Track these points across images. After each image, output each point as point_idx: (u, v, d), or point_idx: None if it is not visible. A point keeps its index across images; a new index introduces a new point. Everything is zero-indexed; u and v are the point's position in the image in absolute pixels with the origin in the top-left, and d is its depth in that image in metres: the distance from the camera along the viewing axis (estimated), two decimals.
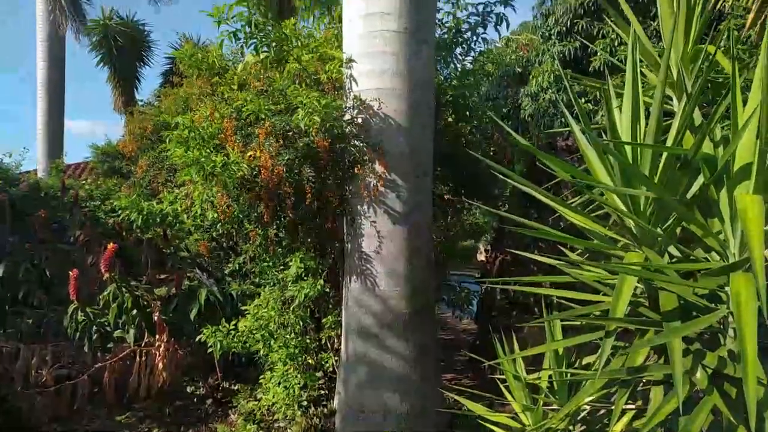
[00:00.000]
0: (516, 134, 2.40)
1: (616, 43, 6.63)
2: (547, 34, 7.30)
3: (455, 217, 6.27)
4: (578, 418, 2.26)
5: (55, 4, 11.24)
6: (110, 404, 5.26)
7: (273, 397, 4.80)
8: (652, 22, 6.30)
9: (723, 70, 2.74)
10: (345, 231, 4.66)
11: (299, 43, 4.94)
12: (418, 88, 4.38)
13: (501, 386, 2.77)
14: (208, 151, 4.43)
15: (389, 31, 4.27)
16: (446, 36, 5.65)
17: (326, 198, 4.48)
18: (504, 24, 5.63)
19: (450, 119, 5.51)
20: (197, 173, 4.36)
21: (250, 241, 4.94)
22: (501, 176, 2.46)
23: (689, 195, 2.03)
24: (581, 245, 2.30)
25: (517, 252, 3.26)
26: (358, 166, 4.37)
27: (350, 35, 4.48)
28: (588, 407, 2.23)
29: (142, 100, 11.43)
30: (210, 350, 4.83)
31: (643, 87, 2.24)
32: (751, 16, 2.31)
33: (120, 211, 5.44)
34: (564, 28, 6.98)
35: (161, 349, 5.06)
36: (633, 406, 2.06)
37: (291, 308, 4.74)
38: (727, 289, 1.79)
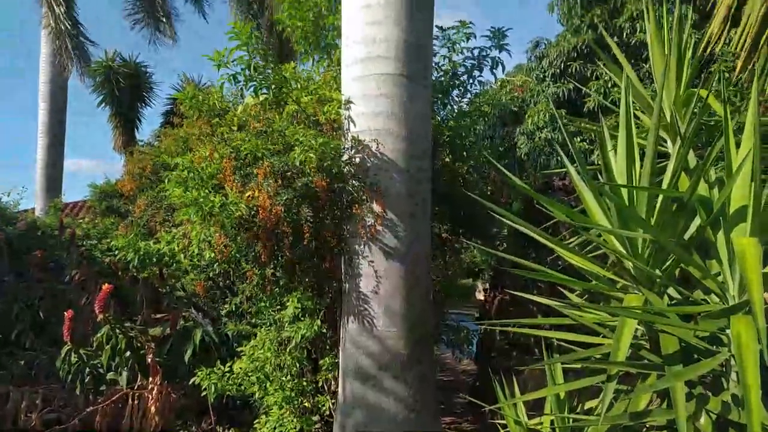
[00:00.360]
0: (513, 174, 2.43)
1: (609, 85, 6.78)
2: (541, 76, 7.47)
3: (453, 256, 6.26)
4: None
5: (60, 47, 11.48)
6: None
7: None
8: (644, 65, 6.45)
9: (715, 113, 2.79)
10: (343, 270, 4.64)
11: (298, 85, 5.03)
12: (415, 129, 4.44)
13: (502, 431, 2.70)
14: (206, 191, 4.45)
15: (387, 74, 4.36)
16: (443, 79, 5.77)
17: (324, 237, 4.48)
18: (500, 67, 5.74)
19: (447, 159, 5.56)
20: (195, 213, 4.37)
21: (247, 281, 4.90)
22: (498, 216, 2.47)
23: (686, 236, 2.04)
24: (580, 287, 2.29)
25: (516, 293, 3.24)
26: (356, 205, 4.38)
27: (348, 78, 4.57)
28: None
29: (142, 141, 11.57)
30: (204, 392, 4.74)
31: (636, 129, 2.27)
32: (740, 62, 2.37)
33: (117, 251, 5.43)
34: (558, 71, 7.16)
35: (154, 392, 4.97)
36: None
37: (287, 349, 4.67)
38: (728, 331, 1.78)
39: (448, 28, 5.73)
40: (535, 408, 2.73)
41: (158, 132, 10.80)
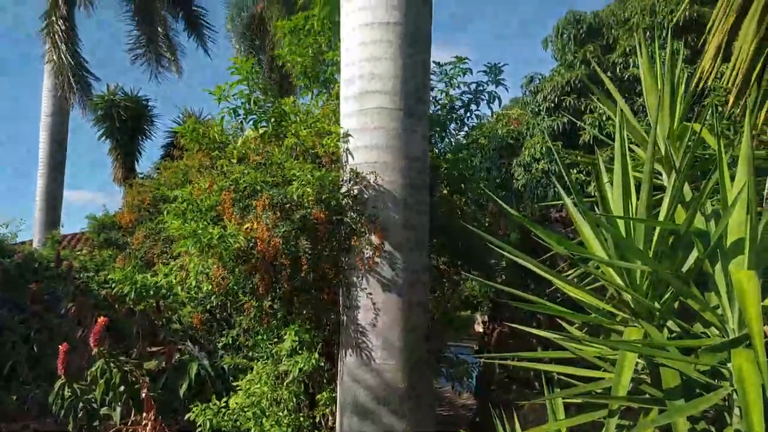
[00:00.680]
0: (510, 205, 2.45)
1: (604, 118, 6.87)
2: (536, 109, 7.58)
3: (451, 288, 6.23)
4: None
5: (63, 81, 11.65)
6: None
7: None
8: (638, 98, 6.56)
9: (709, 146, 2.83)
10: (341, 303, 4.61)
11: (298, 119, 5.10)
12: (413, 162, 4.48)
13: None
14: (205, 222, 4.46)
15: (385, 108, 4.43)
16: (440, 112, 5.85)
17: (322, 269, 4.47)
18: (496, 101, 5.84)
19: (445, 191, 5.60)
20: (194, 245, 4.37)
21: (245, 313, 4.87)
22: (496, 248, 2.48)
23: (684, 269, 2.04)
24: (579, 320, 2.28)
25: (515, 325, 3.23)
26: (355, 237, 4.39)
27: (347, 111, 4.63)
28: None
29: (141, 173, 11.63)
30: (199, 428, 4.65)
31: (632, 161, 2.30)
32: (732, 97, 2.42)
33: (113, 284, 5.40)
34: (552, 104, 7.26)
35: (148, 428, 4.86)
36: None
37: (285, 383, 4.60)
38: (729, 365, 1.76)
39: (446, 64, 5.85)
40: None
41: (158, 164, 10.86)
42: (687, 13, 6.40)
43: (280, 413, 4.62)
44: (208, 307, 5.55)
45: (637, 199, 2.12)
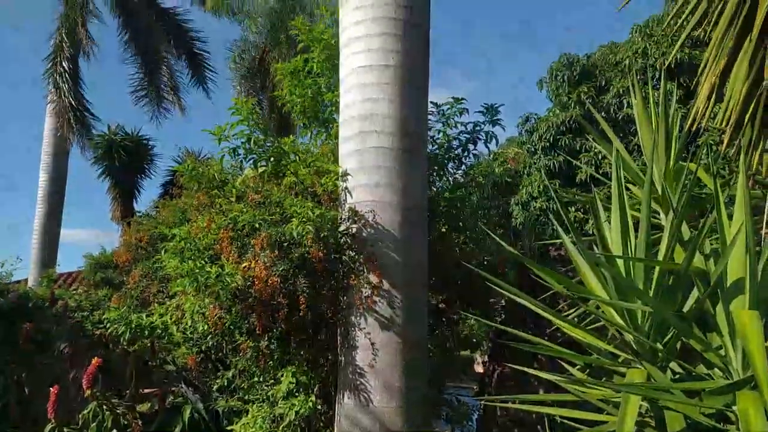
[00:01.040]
0: (509, 243, 2.44)
1: (599, 157, 6.95)
2: (532, 148, 7.66)
3: (451, 327, 6.16)
4: None
5: (63, 122, 11.77)
6: None
7: None
8: (632, 138, 6.64)
9: (705, 185, 2.85)
10: (339, 342, 4.55)
11: (297, 158, 5.14)
12: (411, 201, 4.50)
13: None
14: (202, 261, 4.43)
15: (383, 147, 4.47)
16: (438, 151, 5.91)
17: (320, 309, 4.42)
18: (493, 141, 5.91)
19: (443, 229, 5.60)
20: (190, 284, 4.33)
21: (241, 354, 4.79)
22: (495, 287, 2.46)
23: (685, 308, 2.03)
24: (581, 361, 2.25)
25: (516, 367, 3.17)
26: (353, 276, 4.36)
27: (346, 151, 4.68)
28: None
29: (140, 211, 11.62)
30: None
31: (629, 200, 2.31)
32: (726, 138, 2.46)
33: (108, 324, 5.33)
34: (548, 143, 7.35)
35: None
36: None
37: (280, 427, 4.49)
38: (734, 407, 1.73)
39: (443, 104, 5.94)
40: None
41: (157, 203, 10.87)
42: (678, 56, 6.55)
43: None
44: (203, 347, 5.46)
45: (636, 238, 2.13)
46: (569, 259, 2.55)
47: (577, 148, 7.16)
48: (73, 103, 11.73)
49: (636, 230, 2.14)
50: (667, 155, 2.78)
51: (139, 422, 4.98)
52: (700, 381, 1.89)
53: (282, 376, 4.52)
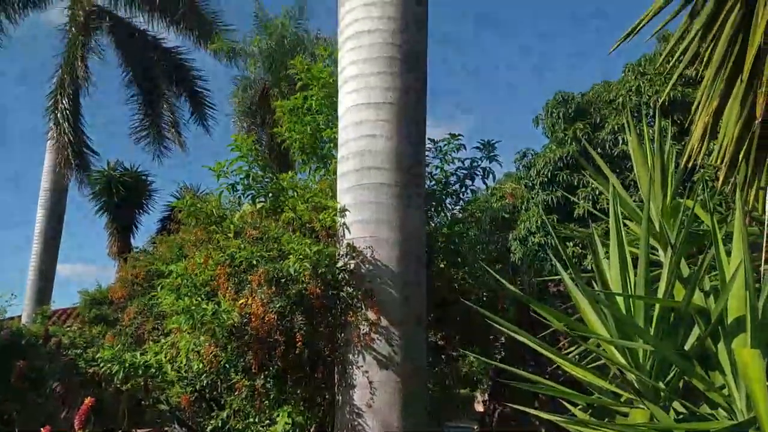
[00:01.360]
0: (507, 279, 2.43)
1: (597, 192, 6.98)
2: (530, 184, 7.70)
3: (450, 364, 6.08)
4: None
5: (62, 158, 11.84)
6: None
7: None
8: (629, 174, 6.68)
9: (702, 222, 2.85)
10: (336, 381, 4.47)
11: (295, 194, 5.16)
12: (409, 237, 4.49)
13: None
14: (199, 298, 4.39)
15: (381, 183, 4.50)
16: (436, 187, 5.94)
17: (317, 346, 4.36)
18: (490, 177, 5.95)
19: (442, 265, 5.58)
20: (186, 321, 4.28)
21: (236, 393, 4.69)
22: (495, 324, 2.43)
23: (687, 347, 2.00)
24: (583, 401, 2.21)
25: (516, 407, 3.12)
26: (351, 312, 4.32)
27: (344, 187, 4.70)
28: None
29: (137, 247, 11.57)
30: None
31: (627, 236, 2.31)
32: (721, 175, 2.48)
33: (102, 363, 5.24)
34: (546, 179, 7.39)
35: None
36: None
37: None
38: None
39: (440, 140, 6.01)
40: None
41: (154, 238, 10.83)
42: (672, 94, 6.66)
43: None
44: (197, 386, 5.36)
45: (635, 274, 2.12)
46: (568, 295, 2.53)
47: (575, 184, 7.20)
48: (72, 139, 11.82)
49: (635, 266, 2.13)
50: (664, 192, 2.79)
51: None
52: (704, 421, 1.85)
53: (278, 416, 4.42)
